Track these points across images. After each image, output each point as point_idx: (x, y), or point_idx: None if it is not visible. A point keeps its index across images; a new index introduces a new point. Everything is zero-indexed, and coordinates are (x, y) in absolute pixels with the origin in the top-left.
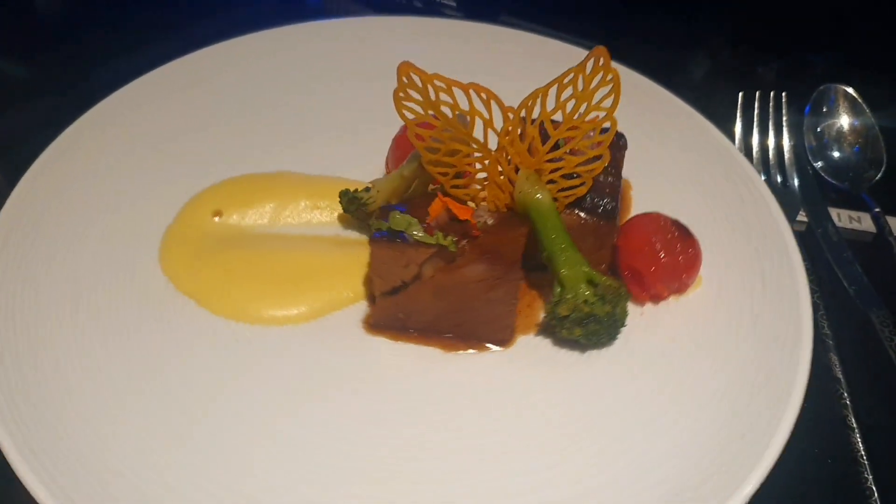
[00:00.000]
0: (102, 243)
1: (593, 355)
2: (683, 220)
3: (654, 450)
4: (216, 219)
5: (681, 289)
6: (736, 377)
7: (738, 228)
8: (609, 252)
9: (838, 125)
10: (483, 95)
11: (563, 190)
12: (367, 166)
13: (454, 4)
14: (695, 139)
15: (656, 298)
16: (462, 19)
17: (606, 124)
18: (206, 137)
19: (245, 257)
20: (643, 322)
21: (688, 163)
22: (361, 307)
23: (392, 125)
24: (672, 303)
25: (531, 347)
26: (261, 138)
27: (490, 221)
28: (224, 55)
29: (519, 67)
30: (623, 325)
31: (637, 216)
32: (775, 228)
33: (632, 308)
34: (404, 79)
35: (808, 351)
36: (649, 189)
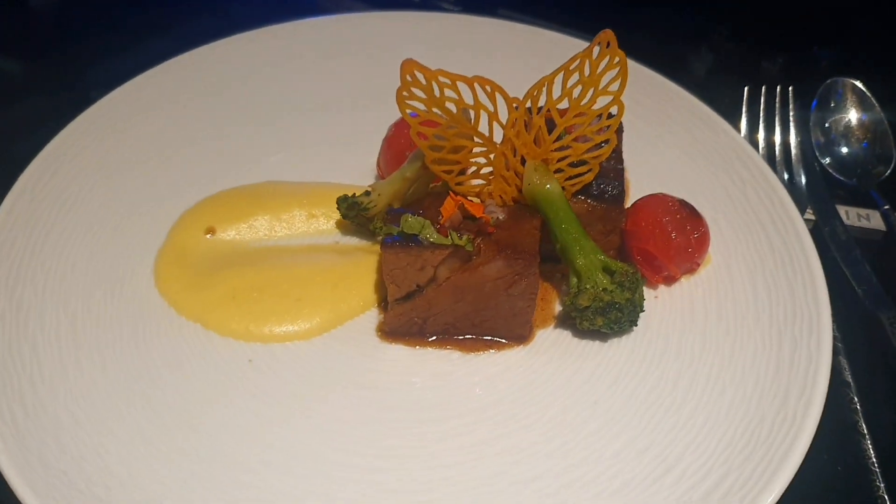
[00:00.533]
0: (92, 266)
1: (614, 344)
2: (685, 197)
3: (677, 444)
4: (209, 236)
5: (692, 268)
6: (758, 355)
7: (740, 204)
8: (618, 237)
9: (846, 120)
10: (488, 88)
11: (570, 178)
12: (358, 169)
13: None
14: (694, 124)
15: (669, 280)
16: (460, 13)
17: (613, 109)
18: (185, 149)
19: (246, 275)
20: (659, 305)
21: (686, 146)
22: (372, 315)
23: (382, 125)
24: (684, 283)
25: (551, 341)
26: (242, 146)
27: (501, 216)
28: (200, 61)
29: (520, 60)
30: (642, 309)
31: (643, 199)
32: (777, 200)
33: (646, 292)
34: (408, 77)
35: (827, 310)
36: (648, 172)
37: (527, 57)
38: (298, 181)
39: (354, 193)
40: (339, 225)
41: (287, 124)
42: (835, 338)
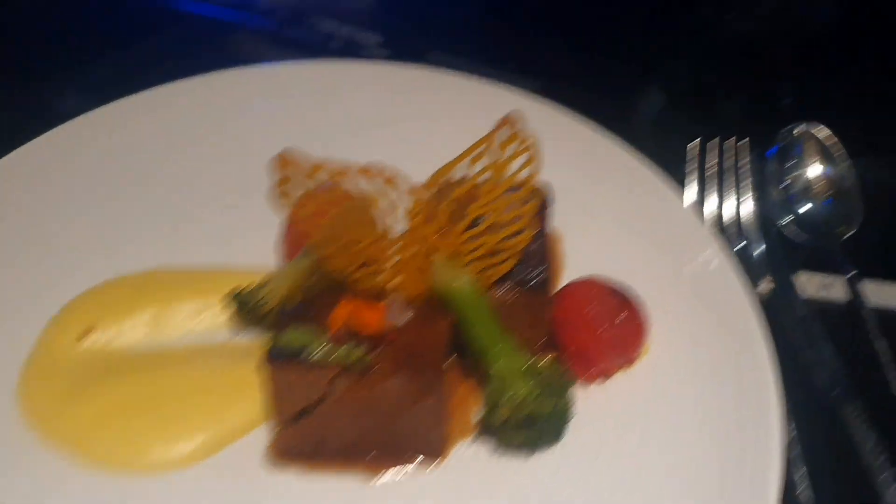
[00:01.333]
0: None
1: (541, 457)
2: (622, 276)
3: None
4: (83, 340)
5: (629, 361)
6: (700, 472)
7: (682, 282)
8: (544, 328)
9: (807, 173)
10: (380, 179)
11: (486, 269)
12: (259, 248)
13: (381, 40)
14: (634, 186)
15: (604, 375)
16: (385, 60)
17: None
18: (55, 235)
19: (120, 387)
20: (592, 407)
21: (627, 212)
22: (268, 429)
23: None
24: (620, 379)
25: (469, 456)
26: (124, 226)
27: (406, 318)
28: (79, 130)
29: (451, 113)
30: (570, 418)
31: (570, 284)
32: (725, 278)
33: (577, 391)
34: (284, 173)
35: (777, 413)
36: (583, 245)
37: (461, 110)
38: (191, 265)
39: (247, 287)
40: (234, 319)
41: (173, 200)
42: (792, 440)
